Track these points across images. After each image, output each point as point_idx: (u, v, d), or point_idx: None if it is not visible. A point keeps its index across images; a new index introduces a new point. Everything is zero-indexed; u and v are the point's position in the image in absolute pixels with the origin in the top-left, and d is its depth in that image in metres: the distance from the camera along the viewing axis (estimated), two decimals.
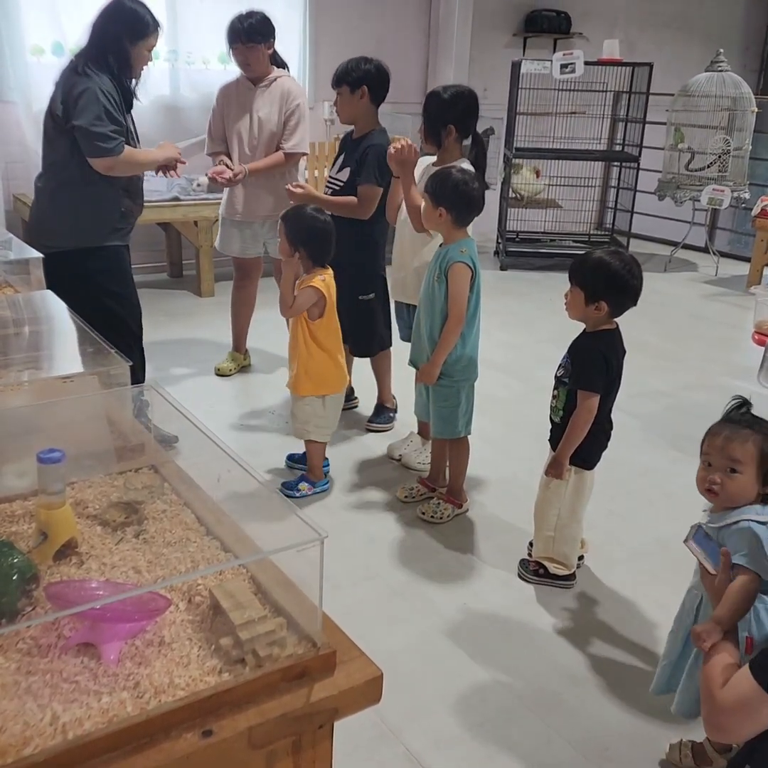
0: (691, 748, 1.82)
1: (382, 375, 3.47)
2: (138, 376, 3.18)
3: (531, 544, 2.53)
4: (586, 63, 5.93)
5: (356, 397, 3.60)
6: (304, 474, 2.95)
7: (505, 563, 2.57)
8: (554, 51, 6.68)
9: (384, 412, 3.51)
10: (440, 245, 2.63)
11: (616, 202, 6.85)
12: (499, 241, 6.64)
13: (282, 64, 3.79)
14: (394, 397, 3.55)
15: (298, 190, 3.20)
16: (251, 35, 3.49)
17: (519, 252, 6.53)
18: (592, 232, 6.99)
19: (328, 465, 3.04)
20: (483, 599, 2.40)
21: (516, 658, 2.16)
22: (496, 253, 6.67)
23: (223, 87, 3.74)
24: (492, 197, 6.58)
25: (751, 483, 1.61)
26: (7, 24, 4.76)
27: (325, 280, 2.73)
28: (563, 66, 5.84)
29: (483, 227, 6.93)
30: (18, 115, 4.94)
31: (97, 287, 2.92)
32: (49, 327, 2.20)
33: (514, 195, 6.65)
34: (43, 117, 4.80)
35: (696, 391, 4.08)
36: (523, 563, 2.51)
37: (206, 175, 3.53)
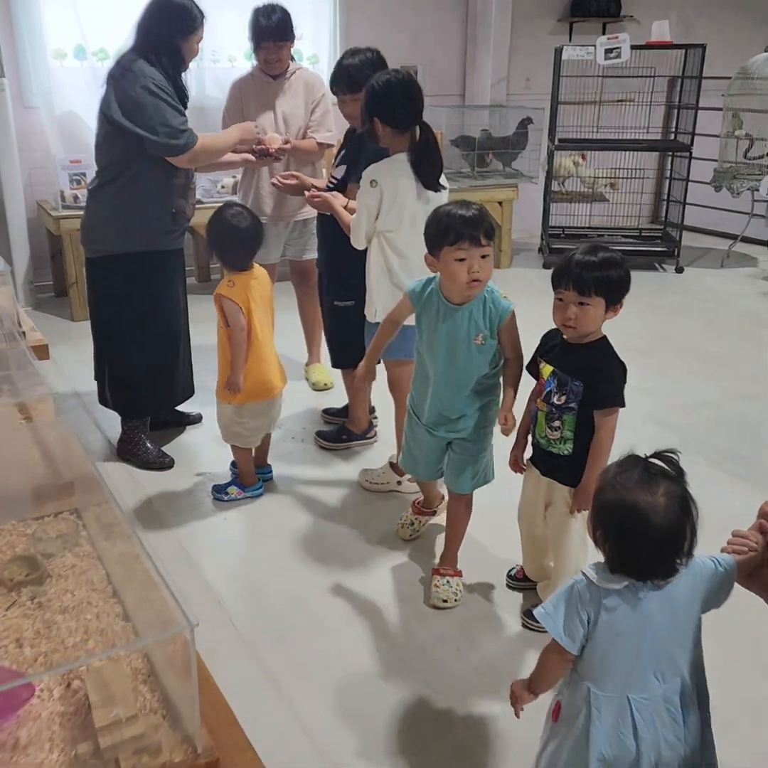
0: None
1: (353, 395, 3.15)
2: (174, 394, 3.17)
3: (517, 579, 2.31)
4: (634, 47, 5.57)
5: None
6: (236, 478, 2.83)
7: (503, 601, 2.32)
8: (601, 36, 6.32)
9: (340, 435, 3.18)
10: (464, 303, 2.07)
11: (668, 193, 6.46)
12: (543, 237, 6.33)
13: (292, 57, 3.61)
14: (374, 423, 3.26)
15: (291, 181, 3.01)
16: (283, 34, 3.35)
17: (565, 249, 6.15)
18: (642, 226, 6.61)
19: (270, 471, 2.93)
20: (479, 645, 2.16)
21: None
22: (540, 250, 6.37)
23: (237, 82, 3.57)
24: (535, 192, 6.30)
25: None
26: (28, 28, 4.69)
27: (233, 287, 2.57)
28: (608, 51, 5.50)
29: (526, 223, 6.63)
30: (41, 121, 4.88)
31: (142, 292, 2.90)
32: None
33: (559, 189, 6.33)
34: (67, 121, 4.90)
35: (744, 403, 3.72)
36: (531, 614, 2.23)
37: (253, 147, 3.26)
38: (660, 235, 6.52)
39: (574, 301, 1.90)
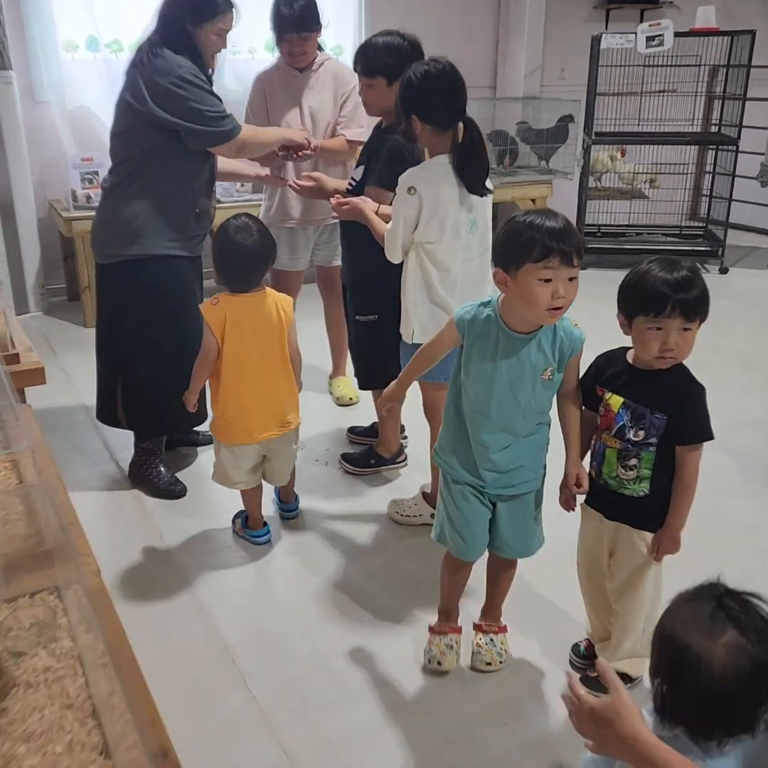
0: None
1: (384, 417, 2.86)
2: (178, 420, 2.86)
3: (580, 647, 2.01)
4: (677, 34, 5.25)
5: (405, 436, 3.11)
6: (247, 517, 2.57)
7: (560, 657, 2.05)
8: (641, 23, 5.99)
9: (367, 458, 2.93)
10: (533, 331, 1.74)
11: (711, 189, 6.12)
12: None
13: (320, 47, 3.34)
14: (404, 445, 3.00)
15: (309, 183, 2.74)
16: (307, 24, 3.06)
17: (601, 248, 5.88)
18: (684, 223, 6.27)
19: (294, 508, 2.63)
20: (530, 719, 1.89)
21: None
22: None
23: (261, 75, 3.29)
24: (570, 188, 5.98)
25: None
26: (38, 19, 4.45)
27: (215, 305, 2.29)
28: (649, 38, 5.17)
29: None
30: (53, 116, 4.64)
31: (159, 301, 2.66)
32: None
33: (595, 185, 6.02)
34: (79, 116, 4.67)
35: None
36: (591, 681, 1.88)
37: (287, 153, 2.97)
38: (702, 233, 6.18)
39: (677, 329, 1.64)
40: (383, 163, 2.55)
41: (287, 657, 2.05)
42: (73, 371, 3.81)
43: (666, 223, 6.19)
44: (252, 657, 2.04)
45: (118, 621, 1.23)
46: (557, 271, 1.62)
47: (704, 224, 6.21)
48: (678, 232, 6.20)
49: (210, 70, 2.69)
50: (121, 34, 4.69)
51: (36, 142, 4.59)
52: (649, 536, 1.80)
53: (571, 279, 1.64)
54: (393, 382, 2.03)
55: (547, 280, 1.62)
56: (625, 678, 1.90)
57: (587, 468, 1.86)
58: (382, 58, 2.49)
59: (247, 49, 5.12)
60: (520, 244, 1.62)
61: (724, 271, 5.61)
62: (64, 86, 4.60)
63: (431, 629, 2.03)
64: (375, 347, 2.67)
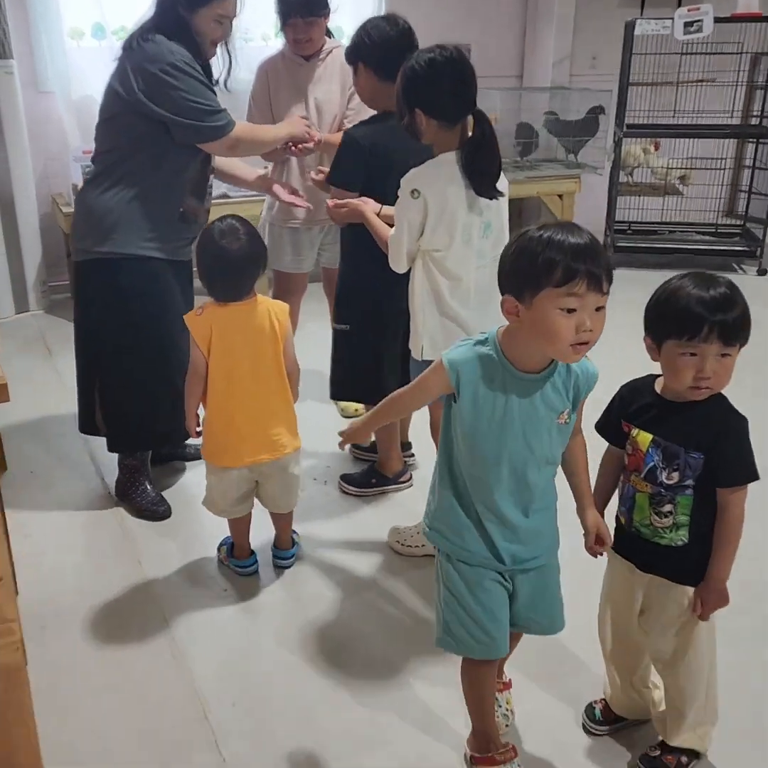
0: None
1: (382, 433, 2.65)
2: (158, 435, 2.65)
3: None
4: (717, 20, 4.95)
5: (412, 452, 2.90)
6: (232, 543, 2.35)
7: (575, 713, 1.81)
8: (678, 8, 5.69)
9: (369, 478, 2.73)
10: (545, 368, 1.44)
11: (750, 185, 5.81)
12: (607, 233, 5.73)
13: (329, 33, 3.12)
14: (409, 463, 2.81)
15: (318, 175, 2.55)
16: (313, 8, 2.88)
17: (631, 247, 5.62)
18: (720, 221, 5.96)
19: (289, 556, 2.33)
20: None
21: None
22: (604, 247, 5.79)
23: (265, 63, 3.10)
24: (599, 183, 5.72)
25: None
26: (43, 6, 4.27)
27: (199, 315, 2.09)
28: (687, 24, 4.88)
29: (588, 217, 6.02)
30: (57, 107, 4.47)
31: (139, 305, 2.45)
32: None
33: (627, 180, 5.74)
34: (84, 107, 4.48)
35: None
36: (653, 762, 1.67)
37: (286, 146, 2.78)
38: (739, 231, 5.87)
39: (714, 354, 1.42)
40: (335, 158, 2.40)
41: (266, 711, 1.83)
42: (66, 372, 3.62)
43: (701, 221, 5.89)
44: (227, 710, 1.83)
45: (29, 711, 1.02)
46: (583, 298, 1.31)
47: (742, 222, 5.91)
48: (713, 230, 5.88)
49: (229, 65, 2.59)
50: (128, 21, 4.47)
51: (39, 135, 4.43)
52: (692, 590, 1.56)
53: (598, 309, 1.34)
54: (358, 420, 1.71)
55: (571, 310, 1.32)
56: (691, 754, 1.66)
57: (615, 512, 1.63)
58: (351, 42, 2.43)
59: (260, 36, 4.90)
60: (537, 265, 1.32)
61: (762, 272, 5.31)
62: (68, 76, 4.43)
63: (478, 761, 1.64)
64: (344, 358, 2.55)
